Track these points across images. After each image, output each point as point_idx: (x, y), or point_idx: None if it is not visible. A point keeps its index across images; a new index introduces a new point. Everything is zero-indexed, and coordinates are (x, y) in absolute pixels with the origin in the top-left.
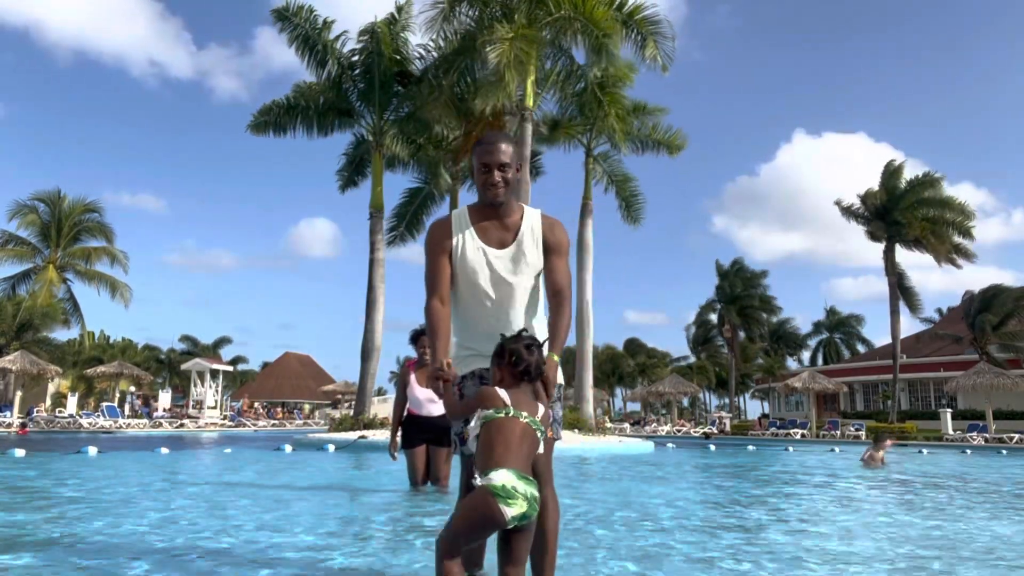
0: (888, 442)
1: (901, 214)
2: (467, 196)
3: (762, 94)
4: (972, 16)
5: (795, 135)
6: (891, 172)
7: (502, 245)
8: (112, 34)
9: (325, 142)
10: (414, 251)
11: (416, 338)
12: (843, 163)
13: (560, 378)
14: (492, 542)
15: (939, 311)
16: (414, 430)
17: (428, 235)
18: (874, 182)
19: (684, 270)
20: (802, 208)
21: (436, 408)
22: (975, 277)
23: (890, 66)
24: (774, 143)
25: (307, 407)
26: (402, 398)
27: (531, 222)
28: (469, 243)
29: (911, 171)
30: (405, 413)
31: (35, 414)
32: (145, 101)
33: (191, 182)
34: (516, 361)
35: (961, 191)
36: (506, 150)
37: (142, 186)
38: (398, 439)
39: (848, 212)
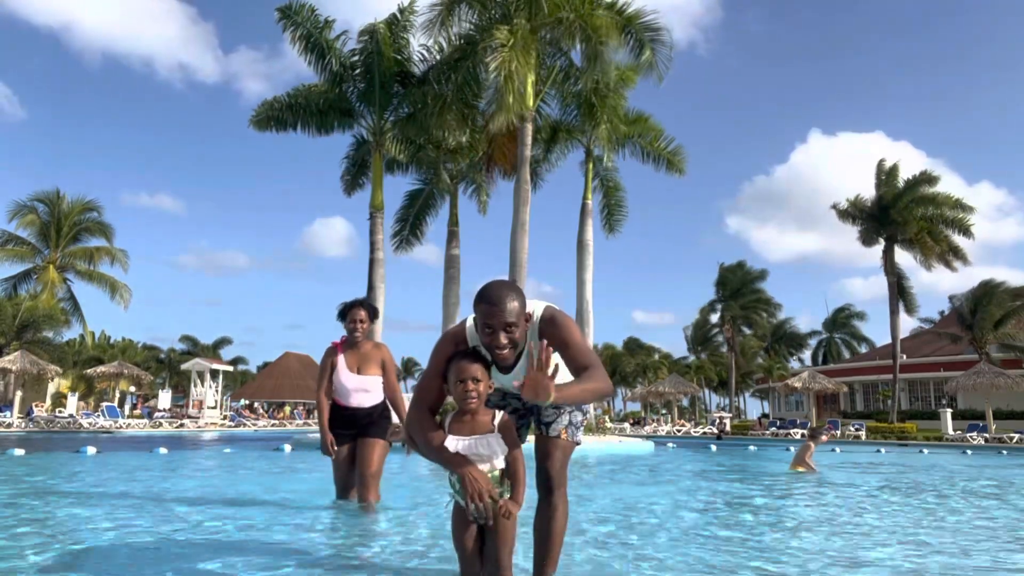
0: (824, 437)
1: (898, 213)
2: (466, 198)
3: (778, 94)
4: (991, 15)
5: (810, 135)
6: (888, 171)
7: (509, 371)
8: (142, 37)
9: (341, 142)
10: (417, 251)
11: (346, 312)
12: (861, 162)
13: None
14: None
15: (941, 312)
16: (338, 424)
17: (440, 345)
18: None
19: (694, 271)
20: (817, 208)
21: (368, 399)
22: (986, 276)
23: (907, 64)
24: (789, 143)
25: (288, 408)
26: (327, 386)
27: (530, 338)
28: None
29: (929, 171)
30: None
31: (35, 414)
32: (171, 103)
33: (210, 182)
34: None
35: (979, 190)
36: (512, 308)
37: (161, 186)
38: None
39: (845, 215)
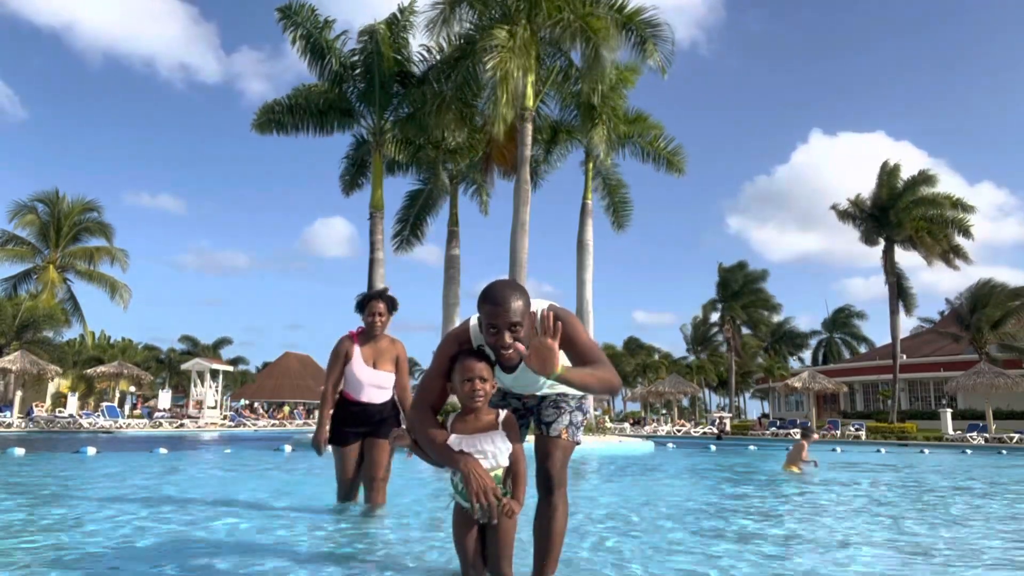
0: (815, 436)
1: (897, 214)
2: (466, 199)
3: (779, 94)
4: (992, 15)
5: (811, 135)
6: (888, 171)
7: (513, 371)
8: (144, 37)
9: (342, 142)
10: (417, 251)
11: (364, 304)
12: (862, 162)
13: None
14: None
15: (941, 313)
16: (348, 420)
17: (443, 346)
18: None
19: (695, 271)
20: (818, 208)
21: (380, 395)
22: (988, 276)
23: (909, 64)
24: (790, 143)
25: (287, 408)
26: (338, 376)
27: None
28: None
29: (927, 170)
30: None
31: (35, 414)
32: (173, 104)
33: (211, 182)
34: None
35: (981, 190)
36: (516, 308)
37: (162, 186)
38: (327, 430)
39: (845, 216)
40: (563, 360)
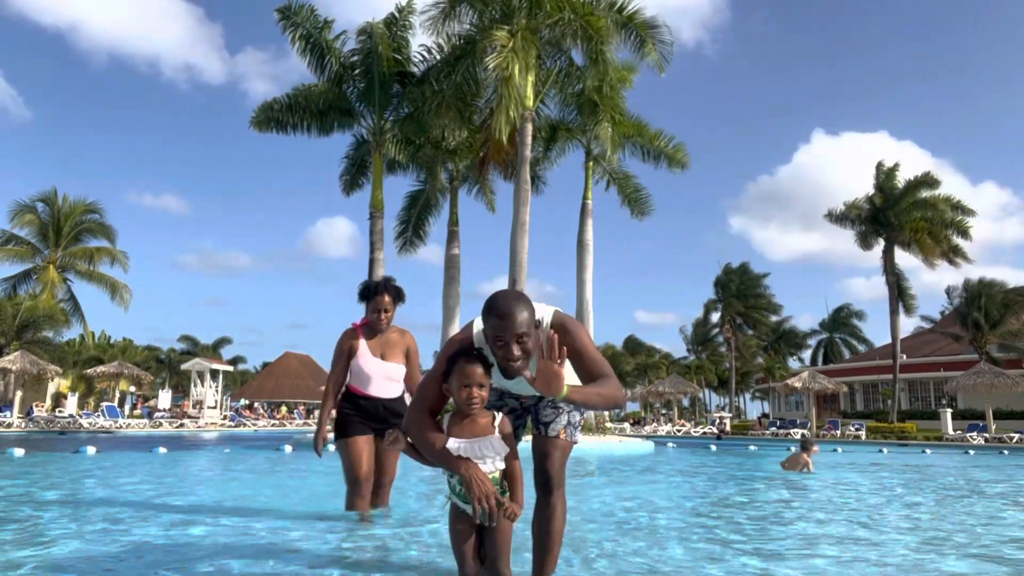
0: (815, 448)
1: (896, 216)
2: (465, 198)
3: (781, 94)
4: (995, 15)
5: (814, 135)
6: (887, 173)
7: (513, 376)
8: (149, 38)
9: (344, 142)
10: (417, 251)
11: (369, 296)
12: (865, 162)
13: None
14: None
15: (942, 312)
16: (357, 415)
17: (446, 350)
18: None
19: (696, 271)
20: (820, 208)
21: (392, 388)
22: (989, 276)
23: (911, 64)
24: (792, 144)
25: (284, 408)
26: (341, 374)
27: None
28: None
29: (930, 173)
30: (343, 390)
31: (35, 414)
32: (177, 104)
33: (214, 183)
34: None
35: (983, 190)
36: (522, 320)
37: (165, 187)
38: (328, 432)
39: (842, 219)
40: (569, 372)
